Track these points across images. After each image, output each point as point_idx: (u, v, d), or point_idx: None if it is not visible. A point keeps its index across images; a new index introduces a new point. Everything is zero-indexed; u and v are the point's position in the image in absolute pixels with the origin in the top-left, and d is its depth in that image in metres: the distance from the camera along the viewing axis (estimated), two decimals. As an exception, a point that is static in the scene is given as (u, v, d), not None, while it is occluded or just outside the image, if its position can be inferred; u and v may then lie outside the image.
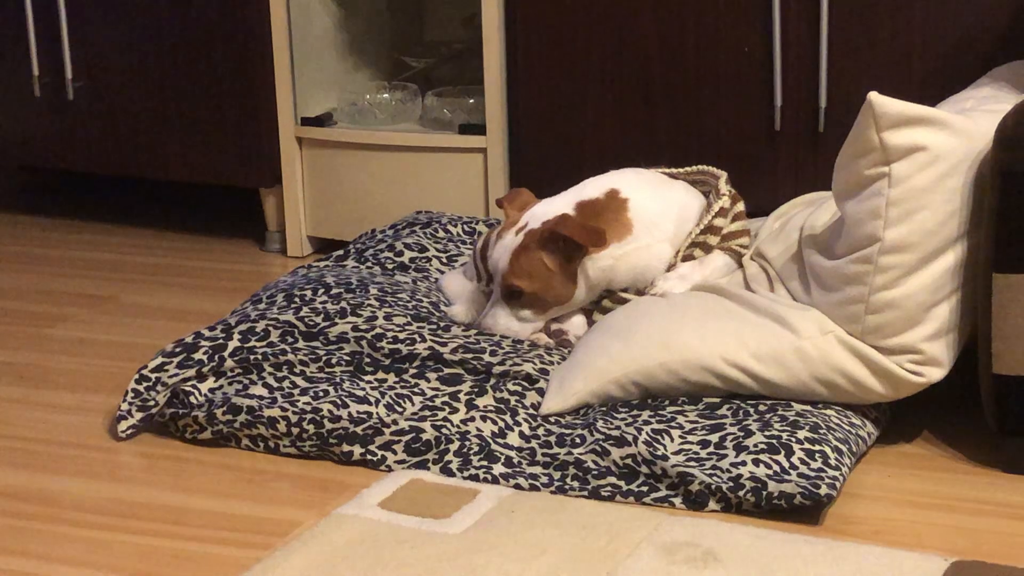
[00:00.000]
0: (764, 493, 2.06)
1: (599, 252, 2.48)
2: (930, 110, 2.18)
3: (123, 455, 2.37)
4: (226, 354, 2.44)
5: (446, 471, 2.22)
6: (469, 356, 2.42)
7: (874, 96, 2.16)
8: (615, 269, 2.51)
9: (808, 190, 2.74)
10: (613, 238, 2.49)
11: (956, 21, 2.86)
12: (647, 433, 2.19)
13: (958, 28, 2.86)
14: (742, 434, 2.18)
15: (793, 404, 2.27)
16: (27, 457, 2.36)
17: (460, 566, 1.93)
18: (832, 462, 2.11)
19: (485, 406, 2.33)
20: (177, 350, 2.43)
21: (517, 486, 2.17)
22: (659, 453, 2.15)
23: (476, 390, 2.35)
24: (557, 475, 2.18)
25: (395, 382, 2.39)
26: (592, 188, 2.56)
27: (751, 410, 2.26)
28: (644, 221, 2.52)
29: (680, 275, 2.51)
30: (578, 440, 2.22)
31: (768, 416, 2.23)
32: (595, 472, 2.17)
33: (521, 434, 2.29)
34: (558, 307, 2.52)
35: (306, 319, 2.52)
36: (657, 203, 2.55)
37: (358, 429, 2.28)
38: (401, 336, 2.46)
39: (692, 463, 2.14)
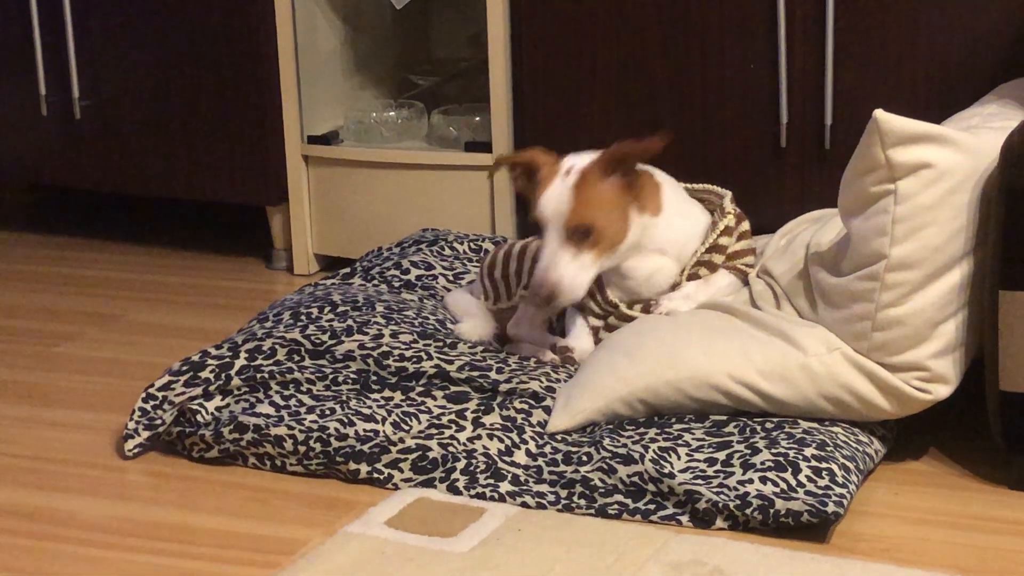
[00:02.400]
0: (771, 511, 2.06)
1: (642, 210, 2.46)
2: (936, 127, 2.18)
3: (130, 474, 2.37)
4: (233, 372, 2.44)
5: (453, 489, 2.22)
6: (475, 374, 2.42)
7: (880, 113, 2.16)
8: (649, 231, 2.48)
9: (814, 207, 2.74)
10: (648, 210, 2.48)
11: (962, 38, 2.86)
12: (654, 451, 2.19)
13: (964, 45, 2.86)
14: (749, 452, 2.18)
15: (800, 421, 2.26)
16: (34, 476, 2.37)
17: (467, 585, 1.93)
18: (839, 479, 2.10)
19: (492, 424, 2.33)
20: (184, 369, 2.43)
21: (524, 504, 2.17)
22: (666, 471, 2.15)
23: (483, 408, 2.35)
24: (564, 493, 2.18)
25: (401, 400, 2.39)
26: None
27: (758, 428, 2.26)
28: (672, 209, 2.52)
29: (685, 294, 2.50)
30: (585, 458, 2.22)
31: (775, 434, 2.22)
32: (602, 490, 2.16)
33: (528, 452, 2.28)
34: (610, 252, 2.44)
35: (312, 337, 2.52)
36: (684, 203, 2.56)
37: (365, 447, 2.28)
38: (407, 354, 2.47)
39: (699, 481, 2.13)
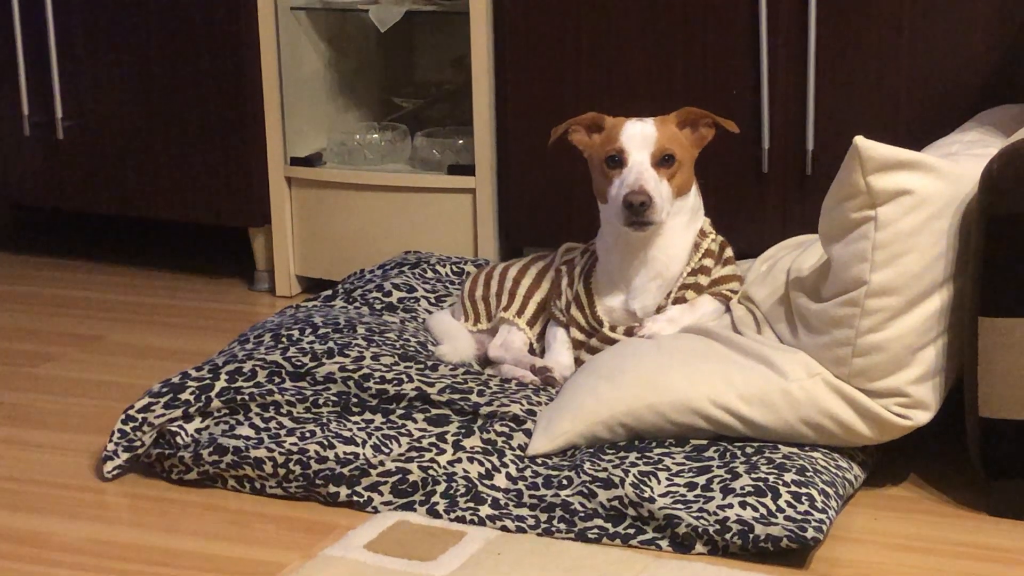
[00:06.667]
0: (751, 536, 2.06)
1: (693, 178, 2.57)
2: (916, 154, 2.19)
3: (109, 495, 2.36)
4: (213, 394, 2.43)
5: (433, 512, 2.21)
6: (456, 397, 2.41)
7: (860, 140, 2.17)
8: (691, 199, 2.55)
9: (795, 233, 2.75)
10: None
11: (943, 66, 2.87)
12: (634, 475, 2.19)
13: (945, 72, 2.87)
14: (729, 476, 2.18)
15: (780, 446, 2.27)
16: (13, 497, 2.36)
17: (446, 609, 1.93)
18: (819, 505, 2.11)
19: (472, 447, 2.32)
20: (164, 390, 2.43)
21: (504, 528, 2.17)
22: (646, 495, 2.14)
23: (463, 431, 2.35)
24: (544, 517, 2.18)
25: (382, 423, 2.39)
26: None
27: (738, 452, 2.26)
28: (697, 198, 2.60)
29: (669, 318, 2.51)
30: (565, 482, 2.22)
31: (755, 458, 2.23)
32: (582, 514, 2.16)
33: (508, 476, 2.28)
34: (681, 195, 2.53)
35: (293, 359, 2.51)
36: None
37: (344, 470, 2.27)
38: (388, 376, 2.46)
39: (679, 505, 2.13)
